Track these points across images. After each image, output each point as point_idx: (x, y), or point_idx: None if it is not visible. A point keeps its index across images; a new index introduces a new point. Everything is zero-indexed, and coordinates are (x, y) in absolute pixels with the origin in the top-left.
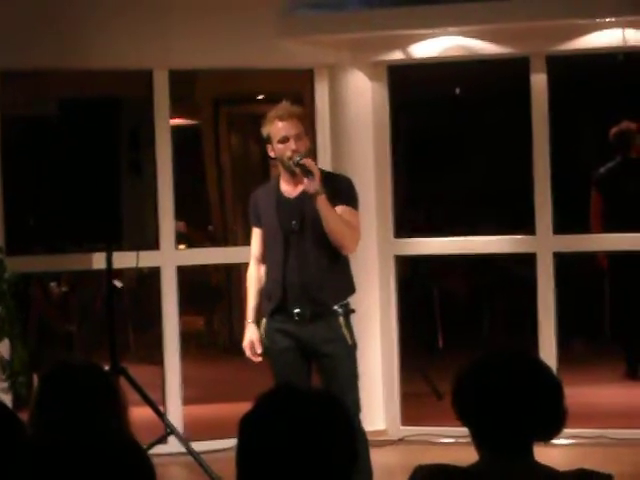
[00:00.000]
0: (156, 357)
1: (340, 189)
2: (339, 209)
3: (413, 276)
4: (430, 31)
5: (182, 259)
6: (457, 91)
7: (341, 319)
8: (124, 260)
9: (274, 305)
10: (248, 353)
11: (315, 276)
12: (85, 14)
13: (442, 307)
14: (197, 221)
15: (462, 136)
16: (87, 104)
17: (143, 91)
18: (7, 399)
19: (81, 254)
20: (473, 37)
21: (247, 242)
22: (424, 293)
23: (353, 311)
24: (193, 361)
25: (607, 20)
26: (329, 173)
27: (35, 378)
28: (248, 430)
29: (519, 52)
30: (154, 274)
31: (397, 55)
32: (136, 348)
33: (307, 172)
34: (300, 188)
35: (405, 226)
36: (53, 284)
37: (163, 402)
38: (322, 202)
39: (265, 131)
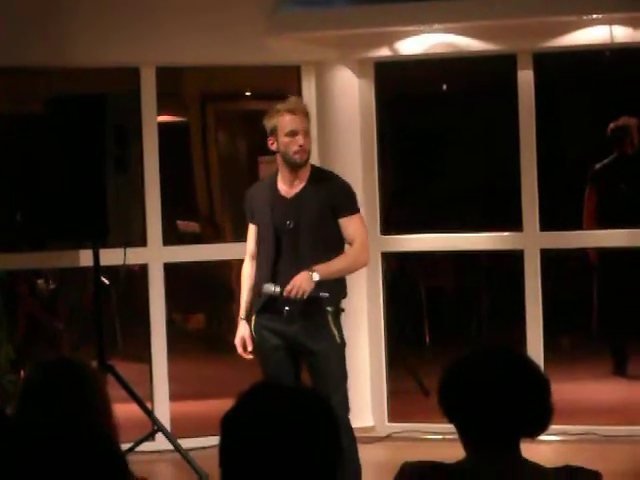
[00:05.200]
0: (144, 354)
1: (340, 197)
2: (344, 222)
3: (400, 272)
4: (417, 28)
5: (169, 256)
6: (444, 88)
7: (330, 317)
8: (111, 257)
9: (262, 302)
10: (239, 350)
11: None
12: (71, 11)
13: (429, 304)
14: (185, 217)
15: (449, 133)
16: (73, 101)
17: (130, 88)
18: None
19: (68, 251)
20: (460, 34)
21: (235, 239)
22: (411, 290)
23: (342, 310)
24: (182, 358)
25: (594, 17)
26: (324, 173)
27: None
28: (229, 429)
29: (506, 49)
30: (142, 271)
31: (384, 52)
32: (124, 345)
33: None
34: (297, 187)
35: (392, 223)
36: (40, 281)
37: (151, 399)
38: (325, 275)
39: (271, 123)
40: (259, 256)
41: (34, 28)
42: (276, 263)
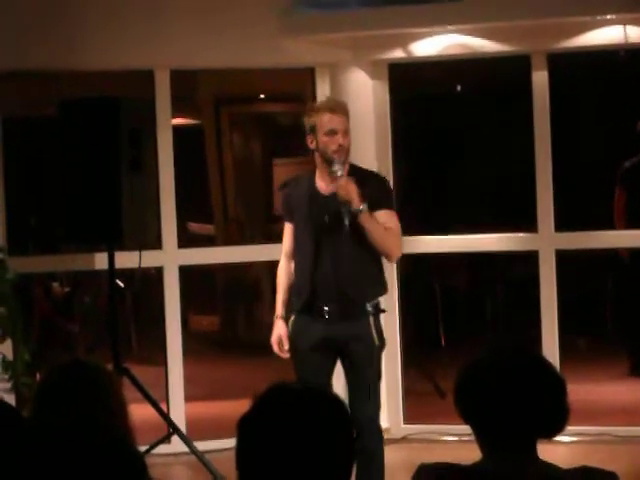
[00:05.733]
0: (159, 357)
1: (379, 192)
2: (381, 214)
3: (415, 274)
4: (431, 29)
5: (185, 259)
6: (458, 89)
7: (371, 319)
8: (126, 260)
9: (303, 302)
10: (276, 349)
11: (349, 273)
12: (85, 14)
13: (444, 305)
14: (200, 220)
15: (463, 134)
16: (87, 104)
17: (145, 91)
18: (10, 399)
19: (83, 254)
20: (474, 35)
21: (250, 241)
22: (426, 291)
23: (384, 311)
24: (196, 360)
25: (608, 17)
26: (363, 171)
27: (38, 378)
28: (246, 431)
29: (520, 50)
30: (157, 274)
31: (398, 53)
32: (138, 348)
33: (344, 201)
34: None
35: (407, 224)
36: (55, 284)
37: (166, 402)
38: (365, 220)
39: (310, 121)
40: (298, 255)
41: (48, 32)
42: (316, 260)
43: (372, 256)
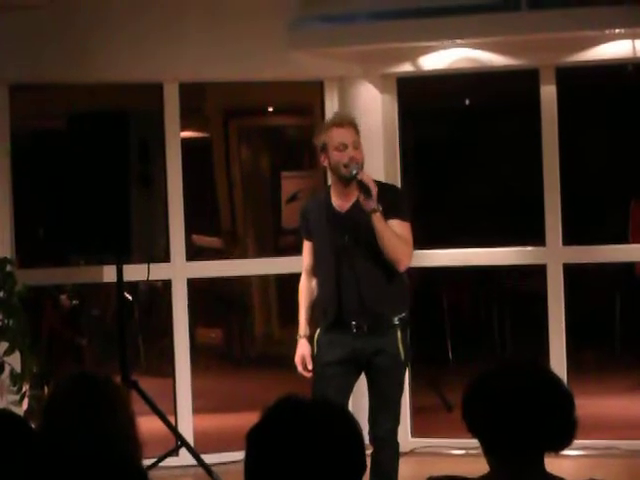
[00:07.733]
0: (167, 369)
1: (393, 201)
2: (392, 223)
3: (423, 288)
4: (439, 43)
5: (193, 272)
6: (467, 103)
7: (399, 333)
8: (135, 273)
9: (331, 320)
10: (300, 369)
11: (373, 290)
12: (95, 27)
13: (452, 319)
14: (208, 233)
15: (472, 148)
16: (96, 117)
17: (153, 104)
18: (19, 412)
19: (91, 267)
20: (482, 49)
21: (258, 254)
22: (434, 305)
23: (410, 324)
24: (208, 373)
25: (616, 31)
26: (380, 183)
27: (46, 391)
28: (255, 443)
29: (529, 64)
30: (165, 286)
31: (406, 67)
32: (147, 361)
33: (365, 189)
34: (351, 201)
35: (415, 237)
36: (64, 297)
37: (174, 414)
38: (377, 219)
39: (320, 140)
40: (320, 274)
41: (57, 44)
42: (339, 278)
43: (394, 271)
